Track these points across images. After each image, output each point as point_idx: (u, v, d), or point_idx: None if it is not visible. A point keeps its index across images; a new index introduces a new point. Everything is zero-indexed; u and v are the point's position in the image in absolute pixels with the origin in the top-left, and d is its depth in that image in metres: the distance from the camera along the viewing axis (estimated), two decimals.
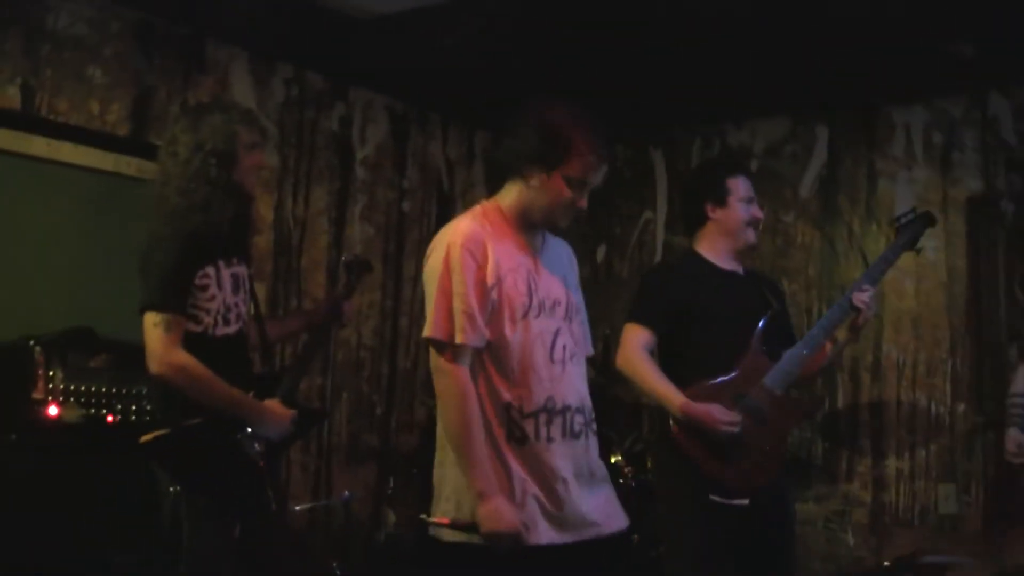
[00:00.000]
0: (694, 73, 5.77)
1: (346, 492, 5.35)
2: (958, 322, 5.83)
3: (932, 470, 5.82)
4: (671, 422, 3.96)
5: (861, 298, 4.16)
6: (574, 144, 3.26)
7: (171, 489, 3.53)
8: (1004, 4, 4.80)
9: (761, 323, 4.12)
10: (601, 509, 3.31)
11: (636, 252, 6.82)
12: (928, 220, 4.43)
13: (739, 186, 4.24)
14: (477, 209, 3.40)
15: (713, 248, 4.24)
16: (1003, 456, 5.27)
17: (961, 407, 5.79)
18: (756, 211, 4.26)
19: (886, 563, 5.28)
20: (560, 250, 3.49)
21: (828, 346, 4.21)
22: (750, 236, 4.24)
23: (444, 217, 6.39)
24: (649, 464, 5.27)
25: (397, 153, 6.56)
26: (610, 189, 6.54)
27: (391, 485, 6.00)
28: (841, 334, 4.22)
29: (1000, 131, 5.84)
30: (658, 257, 6.74)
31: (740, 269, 4.31)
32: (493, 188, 3.44)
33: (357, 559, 5.74)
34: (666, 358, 4.13)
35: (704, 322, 4.10)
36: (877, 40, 5.27)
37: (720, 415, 3.90)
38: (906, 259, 5.74)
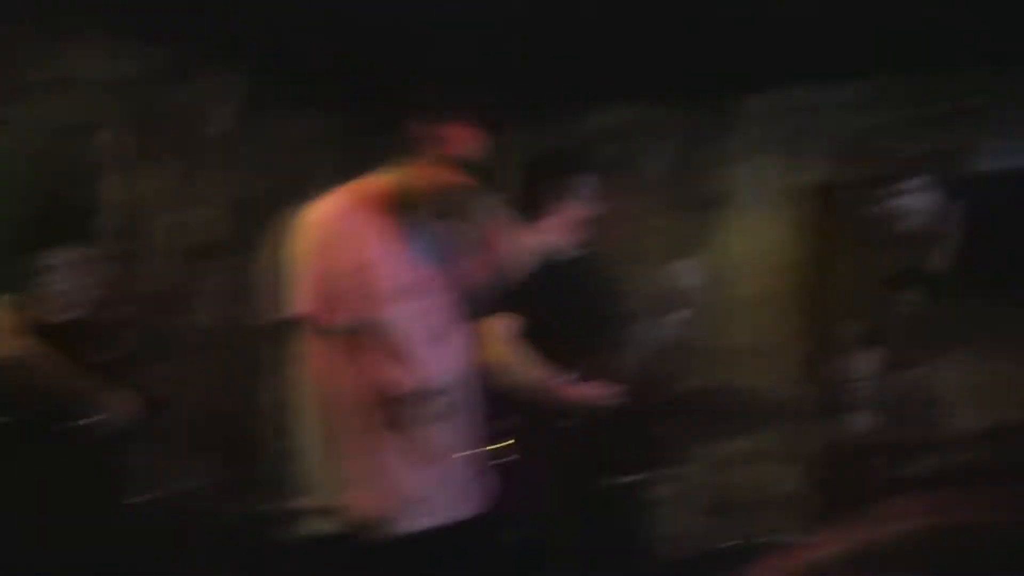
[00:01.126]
0: (543, 55, 5.70)
1: (192, 481, 5.23)
2: (802, 308, 5.97)
3: (775, 452, 5.96)
4: None
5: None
6: (447, 123, 3.28)
7: None
8: None
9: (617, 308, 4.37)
10: (467, 492, 3.34)
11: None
12: None
13: (580, 181, 4.36)
14: (352, 187, 3.36)
15: (560, 238, 4.32)
16: (845, 437, 5.41)
17: (803, 390, 5.92)
18: (596, 208, 4.39)
19: (729, 544, 5.35)
20: (439, 227, 3.45)
21: None
22: (592, 230, 4.40)
23: (294, 200, 6.13)
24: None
25: (248, 132, 6.40)
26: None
27: (241, 473, 5.85)
28: None
29: (847, 121, 5.95)
30: None
31: (584, 257, 4.42)
32: (360, 168, 3.43)
33: (207, 550, 5.59)
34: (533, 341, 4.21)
35: (557, 313, 4.17)
36: (726, 26, 5.27)
37: (600, 389, 4.06)
38: (752, 246, 5.92)
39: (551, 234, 4.30)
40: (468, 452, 3.41)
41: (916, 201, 4.17)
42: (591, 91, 6.35)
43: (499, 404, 4.94)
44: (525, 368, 4.06)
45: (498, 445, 5.32)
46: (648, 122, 6.39)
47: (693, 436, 5.58)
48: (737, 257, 5.90)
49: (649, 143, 6.37)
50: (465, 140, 3.32)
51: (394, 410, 3.18)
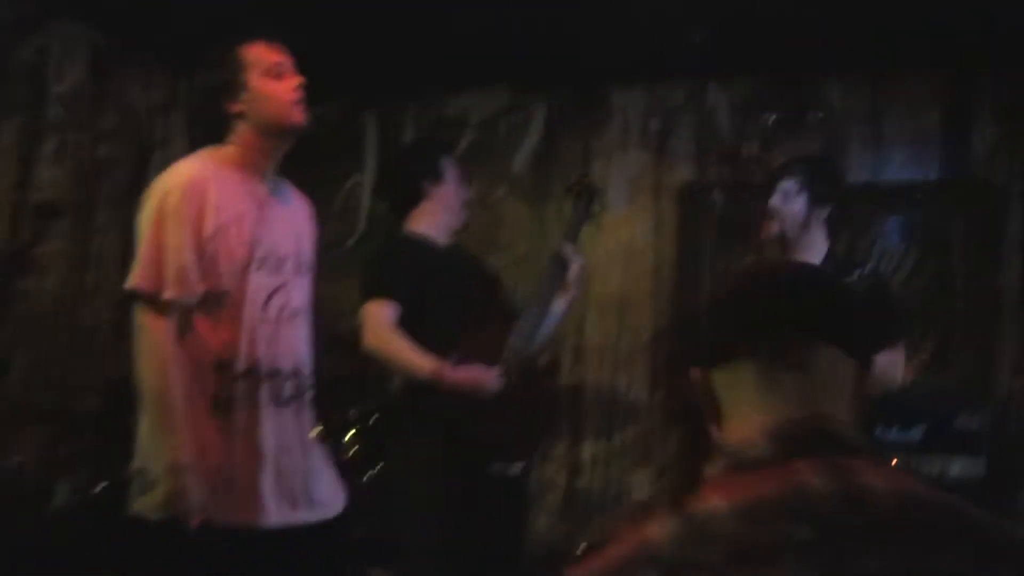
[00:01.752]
0: (409, 38, 5.49)
1: (14, 458, 4.93)
2: (662, 309, 5.86)
3: (628, 455, 5.83)
4: None
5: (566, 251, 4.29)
6: (253, 46, 3.27)
7: None
8: None
9: (493, 294, 4.30)
10: (311, 487, 3.18)
11: (340, 217, 6.41)
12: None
13: (454, 166, 4.35)
14: (203, 153, 3.19)
15: (434, 225, 4.23)
16: (696, 441, 5.37)
17: (659, 393, 5.82)
18: (466, 192, 4.38)
19: (581, 548, 5.25)
20: (298, 203, 3.36)
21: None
22: (464, 216, 4.34)
23: (143, 165, 5.84)
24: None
25: (96, 93, 5.98)
26: (315, 149, 6.22)
27: (67, 451, 5.55)
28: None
29: (716, 122, 5.87)
30: (362, 225, 6.42)
31: (456, 245, 4.35)
32: (201, 136, 3.28)
33: (24, 532, 5.28)
34: (414, 328, 4.06)
35: (437, 299, 4.08)
36: (598, 19, 5.14)
37: (484, 372, 3.94)
38: (615, 244, 5.80)
39: (426, 219, 4.24)
40: (313, 442, 3.23)
41: (784, 205, 4.08)
42: (457, 76, 6.18)
43: (350, 392, 4.82)
44: (404, 353, 3.95)
45: (349, 436, 5.21)
46: (515, 110, 6.21)
47: (555, 432, 5.49)
48: (600, 253, 5.79)
49: (514, 132, 6.19)
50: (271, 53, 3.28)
51: (230, 391, 3.00)
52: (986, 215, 5.41)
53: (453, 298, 4.12)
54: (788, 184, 4.19)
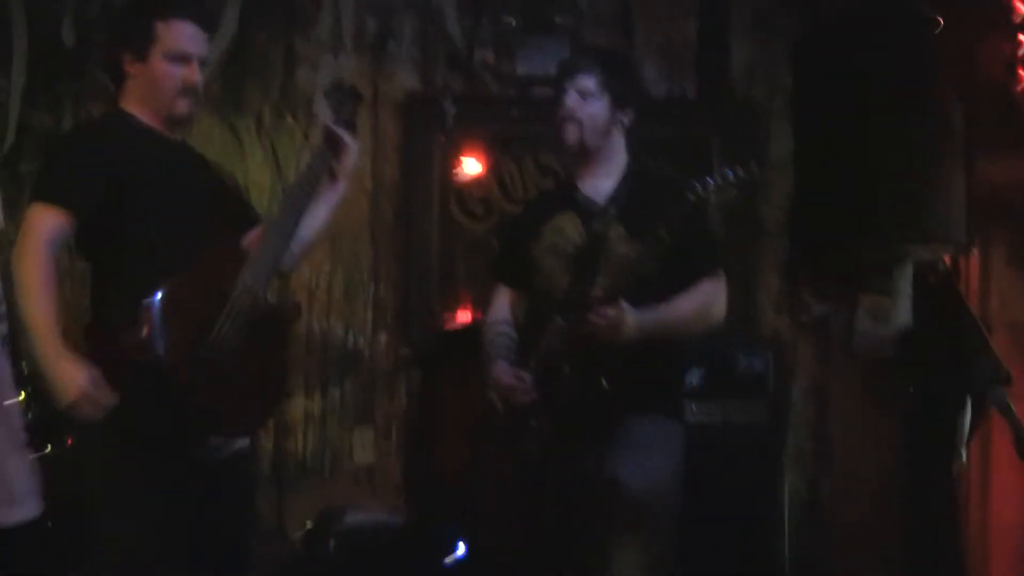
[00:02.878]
0: None
1: None
2: (384, 239, 5.04)
3: (348, 412, 5.01)
4: None
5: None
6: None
7: None
8: None
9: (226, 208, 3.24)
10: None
11: None
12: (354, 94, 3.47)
13: (172, 34, 3.13)
14: None
15: (142, 109, 3.15)
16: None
17: (383, 338, 5.03)
18: (191, 74, 3.16)
19: (308, 525, 4.47)
20: None
21: None
22: (180, 106, 3.16)
23: None
24: None
25: None
26: None
27: None
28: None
29: (444, 23, 5.07)
30: (11, 141, 5.06)
31: (180, 138, 3.28)
32: None
33: None
34: (94, 254, 3.05)
35: (148, 202, 3.03)
36: None
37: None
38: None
39: (134, 100, 3.20)
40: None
41: (582, 106, 3.52)
42: None
43: None
44: (44, 303, 2.89)
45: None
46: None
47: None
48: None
49: None
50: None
51: None
52: (747, 135, 4.93)
53: (165, 207, 3.07)
54: (585, 81, 3.55)
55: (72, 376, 2.83)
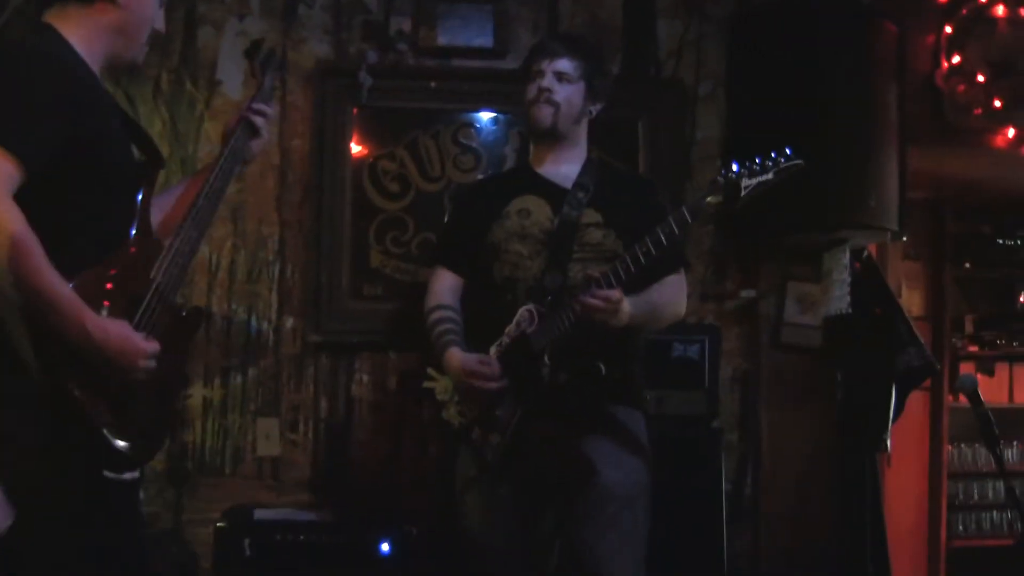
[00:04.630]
0: None
1: None
2: (291, 217, 4.67)
3: (250, 401, 4.63)
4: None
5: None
6: None
7: None
8: None
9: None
10: None
11: None
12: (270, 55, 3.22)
13: None
14: None
15: (88, 46, 2.67)
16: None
17: (290, 323, 4.66)
18: (162, 21, 2.84)
19: (220, 524, 4.10)
20: None
21: None
22: (143, 52, 2.81)
23: None
24: None
25: None
26: None
27: None
28: None
29: None
30: None
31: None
32: None
33: None
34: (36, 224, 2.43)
35: (90, 163, 2.57)
36: None
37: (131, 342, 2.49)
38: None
39: (85, 31, 2.68)
40: None
41: (561, 89, 3.53)
42: None
43: None
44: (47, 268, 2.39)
45: None
46: None
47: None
48: (208, 148, 4.56)
49: None
50: None
51: None
52: (673, 117, 4.78)
53: (108, 172, 2.63)
54: (565, 64, 3.49)
55: (109, 329, 2.46)
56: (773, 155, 3.22)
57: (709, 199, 3.23)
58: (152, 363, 2.54)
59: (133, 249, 2.68)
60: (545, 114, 3.49)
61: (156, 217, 2.82)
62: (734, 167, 3.22)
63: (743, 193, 3.20)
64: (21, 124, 2.44)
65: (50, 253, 2.41)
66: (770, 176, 3.20)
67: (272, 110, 3.14)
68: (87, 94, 2.60)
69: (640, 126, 4.77)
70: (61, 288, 2.39)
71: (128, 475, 2.66)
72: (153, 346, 2.54)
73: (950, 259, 6.91)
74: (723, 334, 4.75)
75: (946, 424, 6.79)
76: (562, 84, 3.48)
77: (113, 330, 2.46)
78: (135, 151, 2.86)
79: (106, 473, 2.56)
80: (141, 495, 3.95)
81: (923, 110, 4.94)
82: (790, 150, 3.23)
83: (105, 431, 2.49)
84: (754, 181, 3.20)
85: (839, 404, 4.63)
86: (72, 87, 2.55)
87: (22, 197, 2.42)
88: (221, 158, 2.97)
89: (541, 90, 3.48)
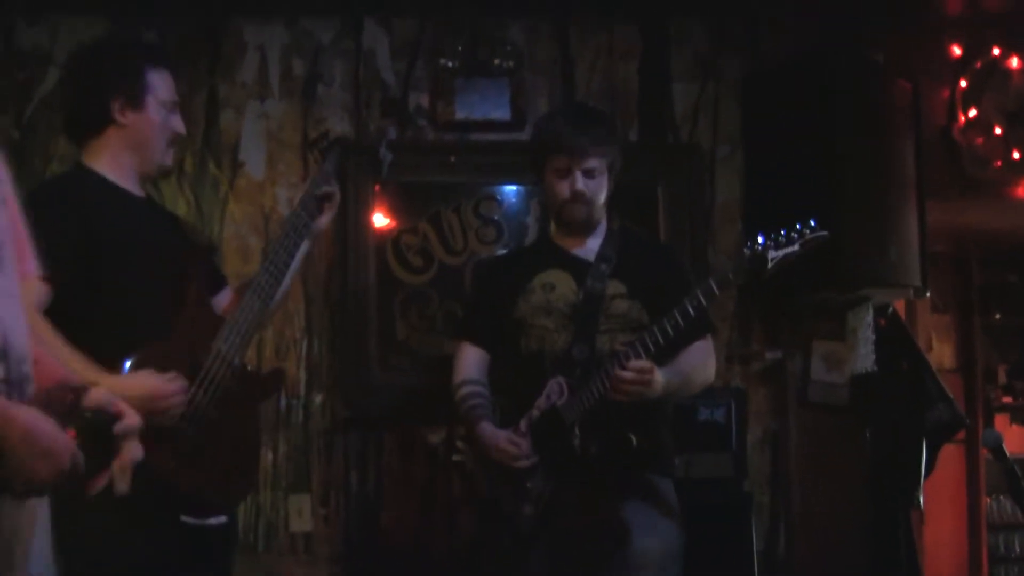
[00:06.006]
0: None
1: None
2: (317, 292, 4.73)
3: (281, 478, 4.65)
4: None
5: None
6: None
7: None
8: None
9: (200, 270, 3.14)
10: None
11: None
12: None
13: (164, 83, 3.09)
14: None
15: (116, 165, 3.04)
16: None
17: (319, 398, 4.69)
18: (179, 122, 3.14)
19: None
20: None
21: None
22: (168, 156, 3.14)
23: None
24: None
25: None
26: None
27: None
28: None
29: (377, 67, 4.84)
30: None
31: (150, 198, 3.25)
32: None
33: None
34: (64, 322, 2.74)
35: (119, 265, 2.92)
36: None
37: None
38: (253, 212, 4.69)
39: (110, 155, 3.10)
40: None
41: (593, 189, 3.56)
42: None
43: None
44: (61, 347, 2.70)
45: None
46: None
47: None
48: (235, 224, 4.66)
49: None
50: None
51: None
52: (691, 181, 4.81)
53: (143, 264, 2.98)
54: (594, 163, 3.51)
55: (135, 385, 2.73)
56: (798, 227, 3.25)
57: (736, 273, 3.27)
58: (180, 399, 2.83)
59: (185, 326, 3.01)
60: (581, 213, 3.53)
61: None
62: (759, 239, 3.24)
63: (770, 265, 3.23)
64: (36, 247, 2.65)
65: (87, 338, 2.74)
66: (796, 248, 3.23)
67: (335, 189, 3.39)
68: (106, 212, 2.96)
69: (659, 191, 4.80)
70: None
71: (213, 520, 2.96)
72: (176, 385, 2.82)
73: (978, 310, 6.90)
74: (750, 395, 4.76)
75: (983, 476, 6.75)
76: (592, 179, 3.51)
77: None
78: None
79: (185, 519, 2.87)
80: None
81: (942, 164, 4.95)
82: (814, 221, 3.26)
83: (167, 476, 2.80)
84: (780, 253, 3.23)
85: (869, 462, 4.62)
86: (86, 208, 2.93)
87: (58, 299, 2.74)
88: (281, 235, 3.31)
89: (576, 194, 3.50)
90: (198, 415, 2.90)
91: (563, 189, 3.53)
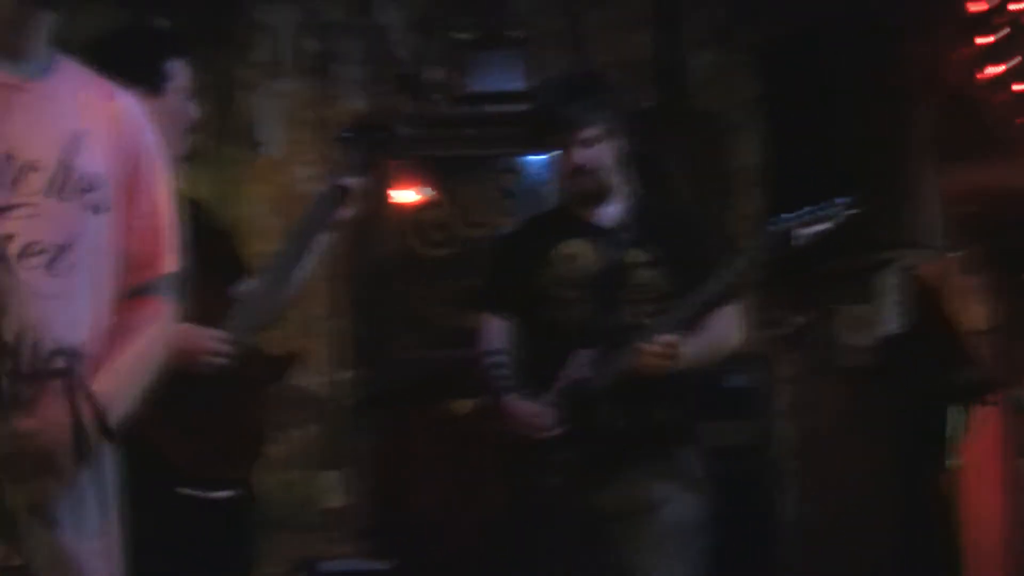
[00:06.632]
0: None
1: None
2: (337, 271, 4.73)
3: (311, 456, 4.73)
4: None
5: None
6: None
7: None
8: None
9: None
10: None
11: None
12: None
13: (183, 72, 3.05)
14: None
15: None
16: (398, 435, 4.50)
17: (344, 376, 4.77)
18: (196, 110, 3.09)
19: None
20: (81, 81, 2.13)
21: None
22: (185, 144, 3.06)
23: None
24: None
25: None
26: None
27: None
28: None
29: (389, 43, 4.88)
30: None
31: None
32: None
33: None
34: None
35: None
36: None
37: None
38: (272, 192, 4.72)
39: None
40: None
41: (593, 160, 3.43)
42: None
43: None
44: None
45: None
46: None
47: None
48: (253, 204, 4.69)
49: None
50: None
51: None
52: (711, 148, 4.79)
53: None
54: (588, 132, 3.40)
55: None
56: (833, 201, 3.21)
57: (765, 253, 3.25)
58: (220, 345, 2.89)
59: (200, 309, 2.80)
60: (586, 184, 3.46)
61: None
62: (789, 216, 3.20)
63: (802, 243, 3.20)
64: None
65: None
66: (829, 225, 3.20)
67: (356, 182, 3.23)
68: None
69: (676, 158, 4.79)
70: None
71: (219, 494, 2.94)
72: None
73: (1010, 269, 6.83)
74: (776, 361, 4.75)
75: (1017, 438, 6.70)
76: (591, 149, 3.43)
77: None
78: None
79: (185, 491, 2.85)
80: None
81: (963, 125, 4.91)
82: (841, 198, 3.22)
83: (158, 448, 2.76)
84: (811, 231, 3.20)
85: (898, 425, 4.59)
86: None
87: None
88: (296, 227, 3.20)
89: (575, 168, 3.44)
90: (199, 392, 2.88)
91: (565, 163, 3.49)
